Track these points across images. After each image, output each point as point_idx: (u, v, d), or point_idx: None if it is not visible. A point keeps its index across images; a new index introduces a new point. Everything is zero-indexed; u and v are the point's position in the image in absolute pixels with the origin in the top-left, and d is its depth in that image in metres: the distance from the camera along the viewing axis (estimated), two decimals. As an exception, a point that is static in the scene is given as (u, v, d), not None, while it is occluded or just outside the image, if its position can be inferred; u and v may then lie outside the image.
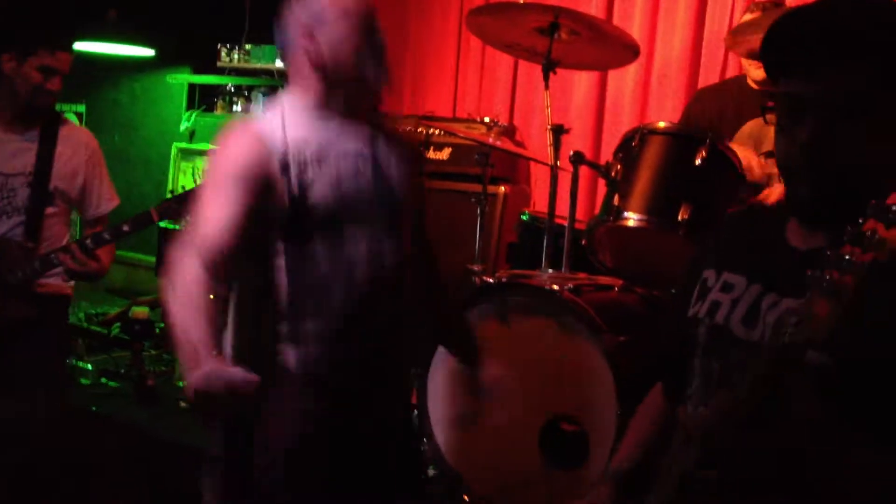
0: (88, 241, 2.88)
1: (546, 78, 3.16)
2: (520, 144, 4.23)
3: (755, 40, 3.01)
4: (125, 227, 2.94)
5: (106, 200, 3.18)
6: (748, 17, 3.29)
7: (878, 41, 1.28)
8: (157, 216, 3.04)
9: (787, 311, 1.17)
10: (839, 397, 1.25)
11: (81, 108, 6.10)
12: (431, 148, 4.17)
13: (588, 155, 3.00)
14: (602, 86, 4.16)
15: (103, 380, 3.88)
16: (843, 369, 1.25)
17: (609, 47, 3.23)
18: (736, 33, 3.29)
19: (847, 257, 1.07)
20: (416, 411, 2.92)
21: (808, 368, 1.27)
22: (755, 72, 3.30)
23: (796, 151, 1.32)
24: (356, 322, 2.01)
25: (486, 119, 4.01)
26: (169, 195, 3.18)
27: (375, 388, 2.08)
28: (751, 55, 3.18)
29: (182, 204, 3.11)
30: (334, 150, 2.00)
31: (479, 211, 3.40)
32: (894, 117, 1.30)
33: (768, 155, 2.94)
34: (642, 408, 1.67)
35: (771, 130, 3.21)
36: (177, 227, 4.66)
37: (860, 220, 1.08)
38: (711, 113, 3.46)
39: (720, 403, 1.24)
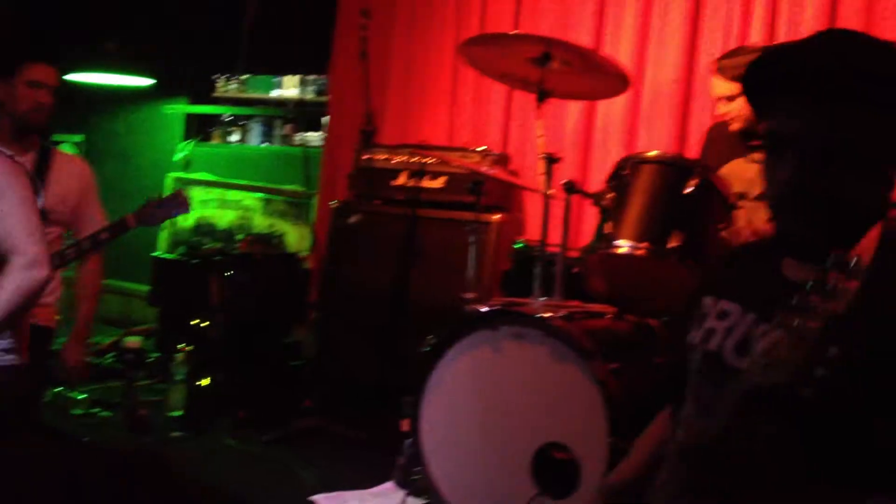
0: (69, 251, 2.91)
1: (539, 107, 3.18)
2: (513, 173, 4.25)
3: (739, 66, 3.05)
4: (104, 235, 2.96)
5: (98, 223, 3.23)
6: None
7: (855, 82, 1.30)
8: (134, 222, 3.08)
9: (760, 352, 1.20)
10: (818, 428, 1.27)
11: (80, 139, 6.13)
12: (427, 177, 4.19)
13: (579, 183, 3.01)
14: (592, 114, 4.19)
15: (96, 410, 3.86)
16: (822, 406, 1.27)
17: (600, 77, 3.26)
18: (724, 59, 3.33)
19: (812, 304, 1.10)
20: (410, 440, 2.92)
21: (800, 403, 1.28)
22: (720, 87, 3.34)
23: (780, 188, 1.34)
24: None
25: (481, 148, 4.03)
26: (149, 199, 3.21)
27: None
28: (734, 78, 3.22)
29: (161, 208, 3.14)
30: None
31: (473, 239, 3.41)
32: (873, 153, 1.32)
33: (739, 197, 2.99)
34: (650, 429, 1.69)
35: (746, 171, 3.27)
36: (172, 255, 4.68)
37: (825, 270, 1.11)
38: (711, 149, 3.54)
39: (695, 432, 1.26)
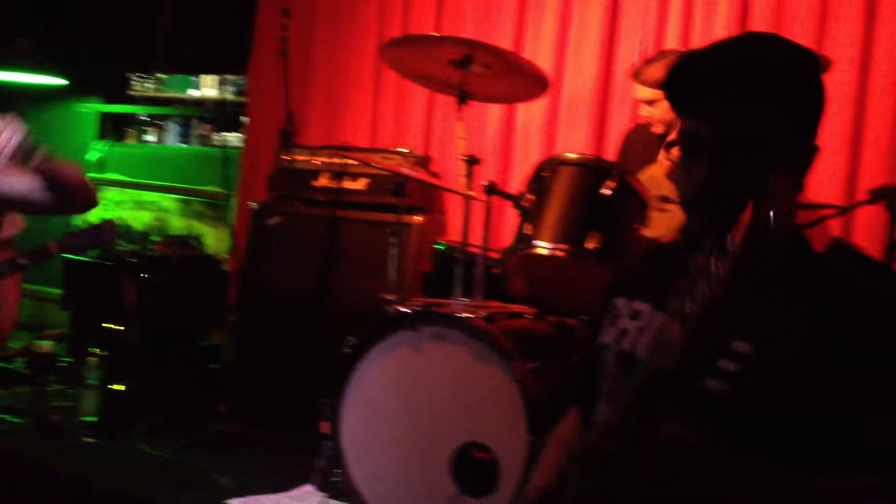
0: None
1: (459, 109, 3.19)
2: (435, 175, 4.25)
3: (659, 70, 3.12)
4: (23, 261, 2.86)
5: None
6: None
7: (765, 86, 1.34)
8: (56, 249, 2.98)
9: (653, 338, 1.22)
10: (732, 423, 1.29)
11: (-13, 138, 5.93)
12: (347, 178, 4.17)
13: (500, 184, 3.03)
14: (513, 117, 4.22)
15: (5, 416, 3.74)
16: (736, 396, 1.30)
17: (521, 80, 3.29)
18: (645, 65, 3.39)
19: (694, 288, 1.13)
20: (329, 442, 2.89)
21: (706, 396, 1.31)
22: (641, 91, 3.41)
23: (691, 188, 1.37)
24: None
25: (403, 149, 4.03)
26: (74, 227, 3.12)
27: None
28: (653, 84, 3.28)
29: (84, 238, 3.06)
30: None
31: (394, 241, 3.40)
32: (787, 152, 1.36)
33: (662, 199, 3.04)
34: (559, 431, 1.69)
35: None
36: (85, 258, 4.56)
37: (706, 255, 1.14)
38: (630, 152, 3.60)
39: (600, 426, 1.26)
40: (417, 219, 3.95)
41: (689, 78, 1.40)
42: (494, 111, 4.23)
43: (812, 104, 1.39)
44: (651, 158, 3.41)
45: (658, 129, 3.43)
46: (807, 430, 1.29)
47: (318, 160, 4.24)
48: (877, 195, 2.57)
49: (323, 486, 3.02)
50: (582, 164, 2.84)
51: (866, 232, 3.36)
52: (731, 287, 1.12)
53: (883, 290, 1.36)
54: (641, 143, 3.57)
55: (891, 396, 1.27)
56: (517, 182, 3.99)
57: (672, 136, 3.37)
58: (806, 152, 1.41)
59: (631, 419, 1.20)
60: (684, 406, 1.23)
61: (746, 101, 1.33)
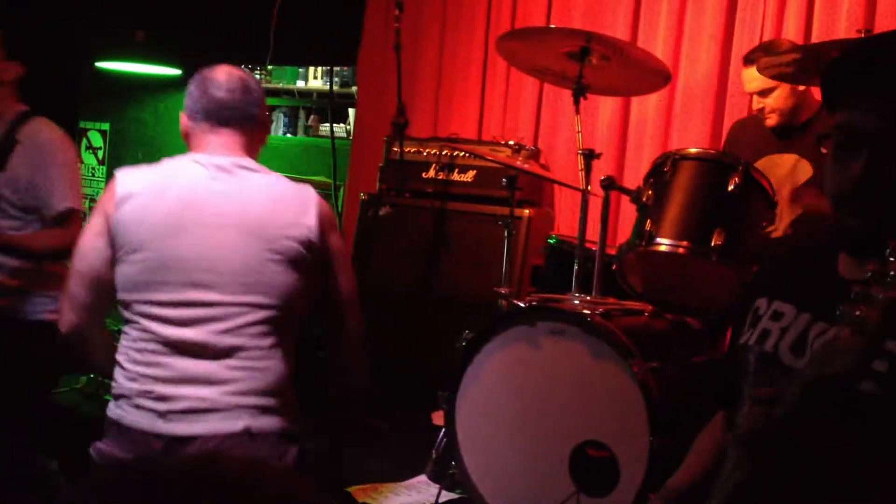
0: None
1: (577, 102, 3.17)
2: (545, 167, 4.23)
3: (776, 64, 3.01)
4: None
5: (58, 200, 2.88)
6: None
7: None
8: None
9: (822, 344, 1.20)
10: (881, 424, 1.27)
11: (106, 127, 6.14)
12: (456, 170, 4.18)
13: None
14: (626, 110, 4.16)
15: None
16: (887, 397, 1.27)
17: (639, 72, 3.24)
18: (760, 53, 3.26)
19: (873, 293, 1.10)
20: (445, 433, 2.91)
21: (860, 397, 1.28)
22: (753, 81, 3.30)
23: (847, 183, 1.33)
24: None
25: (511, 142, 4.02)
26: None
27: None
28: (776, 77, 3.16)
29: None
30: None
31: (505, 234, 3.40)
32: None
33: None
34: (704, 433, 1.68)
35: (779, 169, 3.23)
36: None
37: (884, 260, 1.12)
38: (738, 146, 3.50)
39: (755, 423, 1.25)
40: (527, 212, 3.94)
41: (851, 70, 1.36)
42: (607, 105, 4.18)
43: None
44: (761, 153, 3.32)
45: (772, 120, 3.32)
46: None
47: (427, 152, 4.27)
48: None
49: (437, 478, 3.04)
50: (705, 159, 2.80)
51: None
52: None
53: None
54: (751, 137, 3.47)
55: None
56: (630, 177, 3.95)
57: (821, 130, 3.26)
58: None
59: (792, 419, 1.19)
60: (839, 410, 1.21)
61: None
